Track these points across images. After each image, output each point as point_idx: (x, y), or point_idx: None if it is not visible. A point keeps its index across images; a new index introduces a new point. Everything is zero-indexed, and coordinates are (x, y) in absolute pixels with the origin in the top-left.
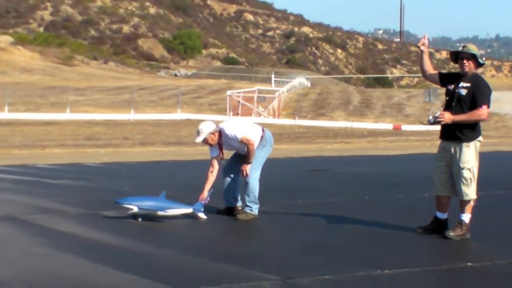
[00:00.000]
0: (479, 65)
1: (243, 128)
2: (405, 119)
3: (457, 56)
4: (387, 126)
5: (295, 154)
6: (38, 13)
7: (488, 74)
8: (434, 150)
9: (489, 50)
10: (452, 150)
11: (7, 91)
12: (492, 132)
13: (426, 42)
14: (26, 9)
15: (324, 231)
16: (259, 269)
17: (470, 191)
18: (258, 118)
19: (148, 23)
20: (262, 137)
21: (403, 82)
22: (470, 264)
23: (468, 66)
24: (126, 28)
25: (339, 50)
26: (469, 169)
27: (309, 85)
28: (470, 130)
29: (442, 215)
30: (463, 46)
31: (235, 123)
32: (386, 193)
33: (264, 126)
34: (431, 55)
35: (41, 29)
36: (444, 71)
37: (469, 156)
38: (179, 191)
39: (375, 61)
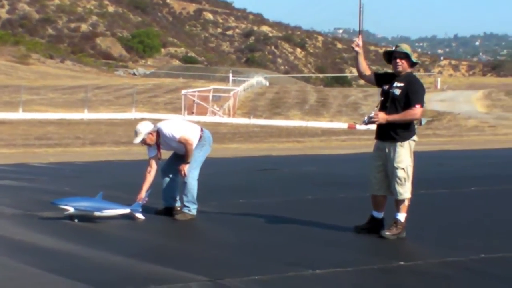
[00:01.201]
0: (412, 64)
1: (181, 127)
2: (360, 118)
3: (390, 56)
4: (342, 125)
5: (245, 154)
6: None
7: (446, 73)
8: None
9: (447, 50)
10: (387, 150)
11: None
12: (444, 131)
13: (360, 43)
14: None
15: (260, 231)
16: (190, 270)
17: (404, 191)
18: (213, 117)
19: (107, 22)
20: (201, 137)
21: (362, 81)
22: (402, 263)
23: (402, 65)
24: (84, 27)
25: (299, 49)
26: (403, 168)
27: (267, 84)
28: (404, 130)
29: (378, 215)
30: (396, 46)
31: (173, 122)
32: (329, 192)
33: (218, 125)
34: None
35: None
36: (380, 71)
37: (403, 156)
38: (121, 191)
39: (334, 60)
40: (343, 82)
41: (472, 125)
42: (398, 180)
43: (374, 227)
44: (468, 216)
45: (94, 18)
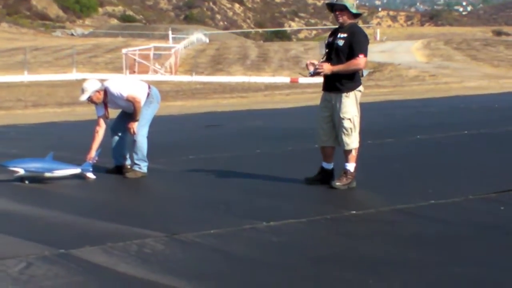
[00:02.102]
0: (355, 15)
1: (128, 86)
2: (304, 71)
3: (332, 8)
4: (285, 79)
5: (190, 111)
6: None
7: (384, 24)
8: None
9: (385, 1)
10: (333, 101)
11: None
12: (386, 82)
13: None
14: None
15: (212, 186)
16: (145, 226)
17: (351, 141)
18: (155, 75)
19: None
20: (148, 94)
21: (301, 35)
22: (354, 212)
23: (342, 17)
24: None
25: (237, 5)
26: (349, 119)
27: (207, 41)
28: (348, 81)
29: (328, 165)
30: None
31: (120, 81)
32: (277, 146)
33: (161, 83)
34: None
35: None
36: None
37: (349, 106)
38: (69, 152)
39: (273, 15)
40: (282, 36)
41: (413, 75)
42: (344, 130)
43: (325, 178)
44: (417, 164)
45: None
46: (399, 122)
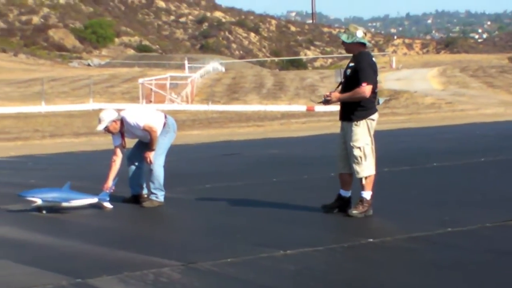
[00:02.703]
0: (360, 44)
1: (145, 115)
2: (314, 99)
3: None
4: (301, 108)
5: (207, 140)
6: None
7: (400, 52)
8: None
9: (400, 29)
10: (346, 129)
11: None
12: (402, 109)
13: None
14: None
15: (228, 214)
16: (162, 255)
17: (361, 169)
18: (172, 105)
19: (59, 13)
20: (165, 124)
21: (317, 64)
22: (371, 239)
23: (346, 48)
24: (36, 19)
25: (252, 34)
26: (359, 147)
27: (223, 70)
28: (359, 109)
29: (345, 193)
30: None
31: (137, 110)
32: (293, 174)
33: (177, 112)
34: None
35: None
36: None
37: (359, 134)
38: (87, 182)
39: (288, 44)
40: (298, 64)
41: (429, 103)
42: (354, 159)
43: (342, 205)
44: (433, 191)
45: (46, 10)
46: (415, 150)
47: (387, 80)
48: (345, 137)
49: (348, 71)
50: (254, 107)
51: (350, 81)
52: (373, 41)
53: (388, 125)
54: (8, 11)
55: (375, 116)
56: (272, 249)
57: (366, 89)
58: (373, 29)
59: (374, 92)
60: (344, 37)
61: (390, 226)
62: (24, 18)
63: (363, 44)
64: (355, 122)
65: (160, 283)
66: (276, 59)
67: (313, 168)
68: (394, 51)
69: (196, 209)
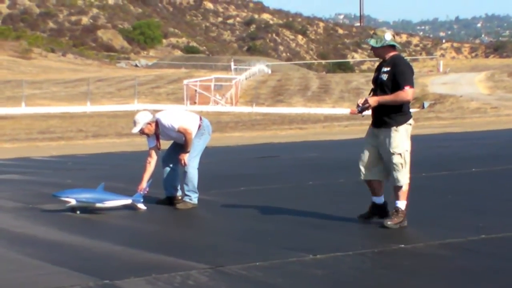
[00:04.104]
0: (390, 47)
1: (180, 117)
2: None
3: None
4: (345, 111)
5: (248, 142)
6: None
7: (448, 56)
8: None
9: (449, 32)
10: (382, 136)
11: None
12: (446, 114)
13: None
14: None
15: (259, 217)
16: (191, 258)
17: (402, 177)
18: (216, 106)
19: (107, 14)
20: (199, 126)
21: (364, 67)
22: (403, 245)
23: (376, 53)
24: (85, 20)
25: (300, 36)
26: (399, 154)
27: (269, 72)
28: (398, 114)
29: (378, 199)
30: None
31: (172, 113)
32: (330, 178)
33: (221, 114)
34: None
35: None
36: None
37: (399, 141)
38: (122, 182)
39: (336, 46)
40: (345, 68)
41: (474, 107)
42: (395, 166)
43: (378, 212)
44: (470, 197)
45: (95, 10)
46: (455, 155)
47: (434, 84)
48: (378, 144)
49: (384, 76)
50: (298, 109)
51: (386, 87)
52: (421, 45)
53: (431, 129)
54: (58, 11)
55: (411, 120)
56: (301, 253)
57: (409, 92)
58: (421, 33)
59: None
60: (372, 42)
61: (422, 232)
62: (73, 18)
63: (393, 47)
64: (395, 128)
65: (187, 285)
66: (323, 61)
67: (350, 172)
68: (442, 55)
69: (228, 212)
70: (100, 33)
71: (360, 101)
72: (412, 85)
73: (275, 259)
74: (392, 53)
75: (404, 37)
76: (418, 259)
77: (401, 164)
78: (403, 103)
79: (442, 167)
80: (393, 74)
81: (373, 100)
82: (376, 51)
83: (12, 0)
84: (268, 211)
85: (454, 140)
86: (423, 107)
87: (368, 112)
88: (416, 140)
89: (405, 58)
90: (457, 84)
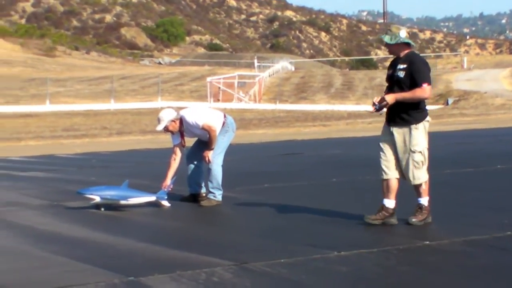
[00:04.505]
0: (405, 44)
1: (204, 114)
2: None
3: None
4: (368, 108)
5: (271, 139)
6: (20, 5)
7: (472, 52)
8: None
9: (473, 29)
10: (401, 134)
11: None
12: (471, 110)
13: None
14: (7, 1)
15: (284, 215)
16: (215, 255)
17: (422, 174)
18: (239, 103)
19: (131, 12)
20: (224, 123)
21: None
22: (427, 242)
23: (391, 50)
24: (108, 18)
25: (323, 33)
26: (420, 151)
27: (292, 69)
28: (416, 111)
29: (391, 203)
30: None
31: (196, 110)
32: (353, 174)
33: (244, 111)
34: (415, 36)
35: (23, 21)
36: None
37: (419, 138)
38: (146, 180)
39: (359, 43)
40: (368, 64)
41: (499, 104)
42: (415, 164)
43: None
44: (495, 194)
45: (118, 8)
46: (480, 151)
47: (458, 80)
48: (396, 143)
49: (401, 73)
50: (321, 106)
51: (403, 84)
52: (445, 41)
53: (455, 126)
54: (82, 9)
55: (429, 117)
56: (325, 250)
57: (427, 89)
58: (445, 29)
59: None
60: (387, 39)
61: (447, 229)
62: (97, 16)
63: (408, 44)
64: (415, 125)
65: (212, 282)
66: (346, 58)
67: (374, 169)
68: (466, 51)
69: (253, 209)
70: (123, 31)
71: (376, 100)
72: (429, 82)
73: (299, 256)
74: (406, 51)
75: (428, 34)
76: (442, 256)
77: (422, 162)
78: (420, 100)
79: (466, 164)
80: (410, 71)
81: (391, 98)
82: (391, 48)
83: None
84: (292, 208)
85: (479, 137)
86: (447, 103)
87: (385, 110)
88: (440, 136)
89: (420, 55)
90: (481, 80)
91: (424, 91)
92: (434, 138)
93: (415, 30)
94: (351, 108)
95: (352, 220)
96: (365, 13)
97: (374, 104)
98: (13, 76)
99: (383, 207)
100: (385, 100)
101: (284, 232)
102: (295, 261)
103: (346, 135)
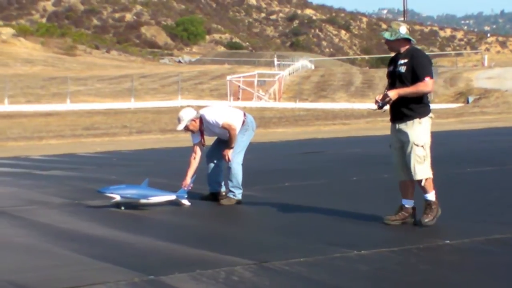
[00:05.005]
0: (405, 40)
1: (224, 113)
2: (371, 107)
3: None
4: (388, 106)
5: (291, 137)
6: (41, 4)
7: (493, 50)
8: (433, 128)
9: (494, 26)
10: (405, 129)
11: (7, 83)
12: (492, 108)
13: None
14: (28, 0)
15: (304, 213)
16: (235, 253)
17: (424, 169)
18: (259, 102)
19: (151, 11)
20: (243, 122)
21: None
22: (448, 241)
23: (390, 46)
24: (128, 16)
25: (343, 31)
26: (422, 146)
27: (312, 67)
28: (419, 106)
29: (409, 203)
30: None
31: (216, 109)
32: (374, 173)
33: (264, 110)
34: (435, 33)
35: (44, 20)
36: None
37: (423, 133)
38: (166, 178)
39: (379, 41)
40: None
41: None
42: (418, 158)
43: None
44: None
45: (138, 7)
46: (501, 150)
47: (478, 78)
48: (402, 139)
49: (403, 68)
50: (341, 105)
51: (405, 79)
52: (465, 39)
53: (475, 124)
54: (102, 8)
55: (431, 114)
56: (346, 249)
57: (430, 83)
58: (465, 27)
59: None
60: (387, 35)
61: (468, 227)
62: (117, 15)
63: (408, 40)
64: (418, 120)
65: (232, 281)
66: (366, 56)
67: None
68: (487, 49)
69: (273, 208)
70: (143, 29)
71: (379, 97)
72: (431, 76)
73: (319, 254)
74: (407, 46)
75: (448, 32)
76: (463, 255)
77: (424, 156)
78: (423, 95)
79: (487, 162)
80: (412, 65)
81: (394, 93)
82: (390, 44)
83: None
84: (312, 206)
85: (500, 135)
86: (468, 102)
87: (387, 107)
88: (461, 135)
89: (421, 50)
90: (502, 78)
91: (426, 84)
92: (455, 136)
93: (435, 28)
94: (371, 107)
95: (373, 218)
96: (385, 11)
97: (376, 101)
98: (34, 75)
99: (402, 208)
100: (388, 96)
101: (304, 230)
102: (315, 260)
103: (366, 133)
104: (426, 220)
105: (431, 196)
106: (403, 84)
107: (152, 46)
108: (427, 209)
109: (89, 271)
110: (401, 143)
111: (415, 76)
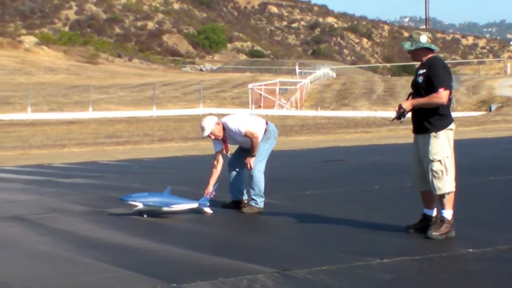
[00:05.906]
0: (426, 49)
1: (246, 121)
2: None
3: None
4: (410, 114)
5: (313, 145)
6: (63, 13)
7: None
8: (455, 136)
9: None
10: (422, 142)
11: (30, 91)
12: None
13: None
14: (51, 9)
15: (325, 221)
16: (257, 262)
17: (443, 185)
18: (280, 110)
19: (173, 19)
20: (266, 130)
21: None
22: (471, 250)
23: (412, 55)
24: (150, 25)
25: (365, 40)
26: (439, 161)
27: (334, 75)
28: (435, 118)
29: (430, 212)
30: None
31: (238, 117)
32: (395, 181)
33: (286, 118)
34: (457, 41)
35: (66, 29)
36: None
37: (439, 147)
38: (189, 186)
39: (401, 49)
40: (410, 71)
41: None
42: (434, 173)
43: (427, 226)
44: None
45: (160, 15)
46: None
47: (501, 86)
48: (421, 152)
49: (420, 78)
50: (363, 113)
51: (422, 89)
52: (488, 47)
53: (498, 133)
54: (124, 17)
55: (453, 125)
56: (368, 257)
57: (443, 94)
58: (488, 35)
59: (449, 99)
60: (407, 45)
61: (491, 236)
62: (139, 23)
63: (430, 49)
64: (434, 134)
65: None
66: (388, 65)
67: None
68: (510, 57)
69: (294, 216)
70: (165, 37)
71: (396, 109)
72: (446, 87)
73: (341, 263)
74: (429, 55)
75: (470, 40)
76: (486, 264)
77: (441, 171)
78: (438, 106)
79: (510, 170)
80: (428, 76)
81: (407, 104)
82: (412, 54)
83: (80, 6)
84: (334, 215)
85: None
86: (490, 110)
87: (407, 116)
88: (483, 143)
89: (442, 59)
90: None
91: (440, 96)
92: (477, 144)
93: (457, 36)
94: (393, 115)
95: (395, 227)
96: (407, 19)
97: (396, 110)
98: (57, 83)
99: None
100: (402, 108)
101: (326, 239)
102: (337, 268)
103: (388, 141)
104: (435, 233)
105: (447, 213)
106: (420, 94)
107: (174, 54)
108: (438, 224)
109: (111, 279)
110: (419, 155)
111: (430, 87)
